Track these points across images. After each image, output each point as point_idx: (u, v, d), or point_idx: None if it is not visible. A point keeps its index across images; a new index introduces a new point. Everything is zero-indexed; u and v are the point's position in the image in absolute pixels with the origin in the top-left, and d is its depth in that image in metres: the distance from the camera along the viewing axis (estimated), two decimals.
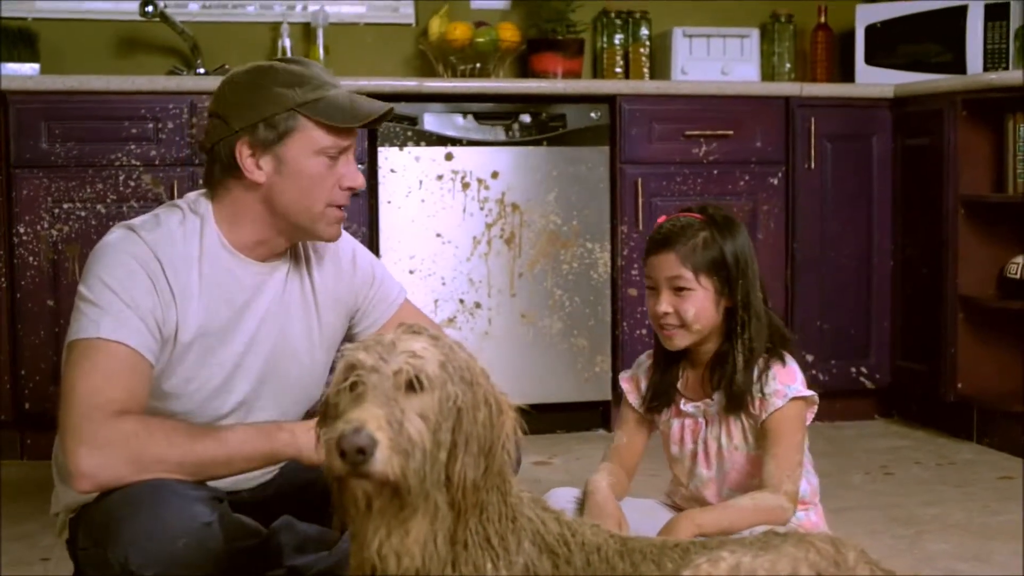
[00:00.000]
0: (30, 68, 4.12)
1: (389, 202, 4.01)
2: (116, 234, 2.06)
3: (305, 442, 1.90)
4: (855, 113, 4.36)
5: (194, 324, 2.04)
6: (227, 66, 4.40)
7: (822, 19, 4.89)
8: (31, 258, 3.76)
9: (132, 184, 3.82)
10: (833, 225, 4.34)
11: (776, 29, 4.89)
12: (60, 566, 2.62)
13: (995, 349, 4.09)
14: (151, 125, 3.84)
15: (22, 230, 3.76)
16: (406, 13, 4.75)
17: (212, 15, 4.61)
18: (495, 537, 1.55)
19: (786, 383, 2.18)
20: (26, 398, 3.79)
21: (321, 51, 4.52)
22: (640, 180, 4.17)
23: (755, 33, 4.68)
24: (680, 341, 2.21)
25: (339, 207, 2.12)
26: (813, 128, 4.28)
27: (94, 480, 1.88)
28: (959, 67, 4.41)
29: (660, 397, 2.29)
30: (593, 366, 4.18)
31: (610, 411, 4.17)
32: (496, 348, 4.08)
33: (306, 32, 4.63)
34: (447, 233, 4.06)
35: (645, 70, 4.80)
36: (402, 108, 3.98)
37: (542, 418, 4.12)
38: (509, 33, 4.55)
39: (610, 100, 4.18)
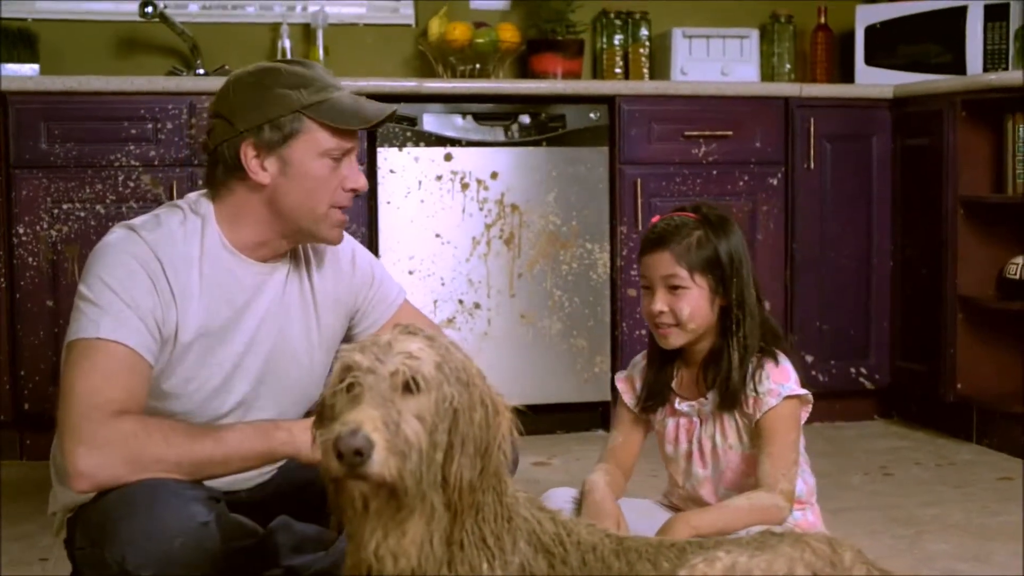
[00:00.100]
0: (30, 69, 4.12)
1: (388, 202, 4.01)
2: (117, 234, 2.06)
3: (303, 441, 1.90)
4: (855, 113, 4.36)
5: (194, 324, 2.04)
6: (227, 67, 4.41)
7: (822, 20, 4.89)
8: (30, 258, 3.77)
9: (131, 185, 3.83)
10: (833, 225, 4.34)
11: (776, 30, 4.89)
12: (59, 566, 2.63)
13: (995, 350, 4.09)
14: (150, 126, 3.85)
15: (21, 230, 3.76)
16: (406, 14, 4.75)
17: (212, 16, 4.62)
18: (491, 537, 1.55)
19: (780, 382, 2.18)
20: (25, 398, 3.79)
21: (321, 52, 4.53)
22: (639, 180, 4.17)
23: (755, 34, 4.68)
24: (675, 340, 2.22)
25: (342, 209, 2.13)
26: (812, 128, 4.28)
27: (92, 480, 1.88)
28: (959, 68, 4.41)
29: (655, 396, 2.30)
30: (592, 367, 4.18)
31: (609, 412, 4.16)
32: (495, 349, 4.08)
33: (306, 33, 4.63)
34: (446, 233, 4.06)
35: (645, 71, 4.80)
36: (401, 109, 3.94)
37: (541, 419, 4.16)
38: (509, 34, 4.55)
39: (609, 101, 4.18)
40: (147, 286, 1.99)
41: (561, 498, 2.26)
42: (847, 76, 4.87)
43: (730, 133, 4.25)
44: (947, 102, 4.06)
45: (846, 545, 1.61)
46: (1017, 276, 3.95)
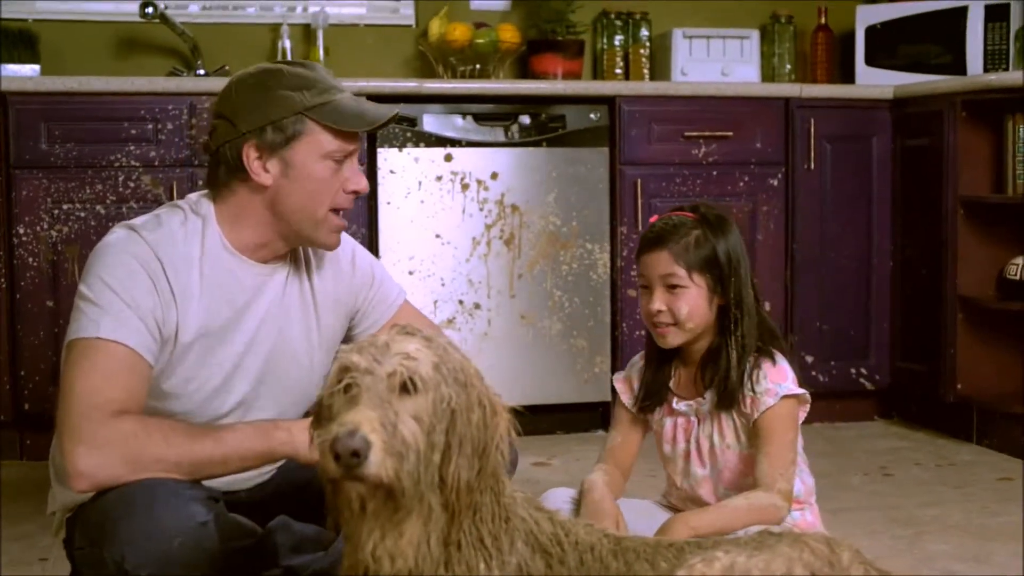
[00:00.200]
0: (30, 69, 4.13)
1: (388, 203, 4.01)
2: (117, 234, 2.06)
3: (302, 441, 1.90)
4: (855, 114, 4.35)
5: (194, 324, 2.04)
6: (227, 67, 4.41)
7: (822, 20, 4.89)
8: (31, 259, 3.77)
9: (132, 185, 3.83)
10: (833, 226, 4.34)
11: (776, 30, 4.89)
12: (58, 566, 2.63)
13: (995, 350, 4.08)
14: (151, 126, 3.85)
15: (22, 231, 3.77)
16: (406, 14, 4.75)
17: (212, 16, 4.62)
18: (488, 537, 1.55)
19: (777, 381, 2.18)
20: (25, 399, 3.79)
21: (321, 52, 4.53)
22: (639, 181, 4.17)
23: (755, 34, 4.68)
24: (674, 339, 2.22)
25: (341, 213, 2.13)
26: (813, 129, 4.28)
27: (92, 480, 1.88)
28: (959, 68, 4.41)
29: (652, 396, 2.30)
30: (592, 367, 4.18)
31: (609, 412, 4.16)
32: (495, 349, 4.09)
33: (306, 33, 4.63)
34: (446, 234, 4.06)
35: (645, 71, 4.80)
36: (402, 109, 3.93)
37: (541, 419, 4.16)
38: (509, 34, 4.55)
39: (609, 101, 4.18)
40: (147, 286, 1.99)
41: (560, 498, 2.26)
42: (847, 77, 4.87)
43: (730, 134, 4.25)
44: (947, 102, 4.06)
45: (844, 545, 1.60)
46: (1017, 276, 3.95)
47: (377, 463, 1.42)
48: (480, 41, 4.48)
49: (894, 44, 4.64)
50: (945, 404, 4.13)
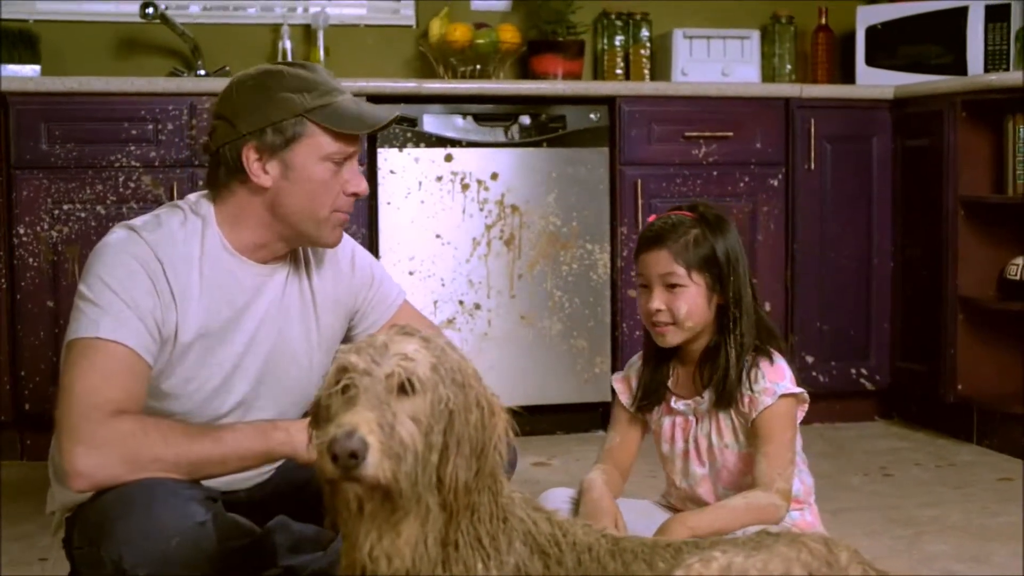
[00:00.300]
0: (31, 69, 4.13)
1: (389, 203, 4.02)
2: (117, 234, 2.06)
3: (300, 441, 1.90)
4: (855, 114, 4.35)
5: (194, 325, 2.05)
6: (227, 68, 4.41)
7: (823, 20, 4.89)
8: (31, 259, 3.77)
9: (132, 185, 3.83)
10: (833, 226, 4.34)
11: (777, 30, 4.89)
12: (57, 566, 2.63)
13: (995, 350, 4.08)
14: (151, 126, 3.85)
15: (22, 231, 3.77)
16: (406, 15, 4.75)
17: (213, 17, 4.62)
18: (486, 537, 1.55)
19: (775, 380, 2.18)
20: (26, 399, 3.80)
21: (322, 53, 4.53)
22: (640, 181, 4.17)
23: (755, 34, 4.68)
24: (672, 338, 2.22)
25: (343, 212, 2.13)
26: (813, 129, 4.28)
27: (91, 479, 1.88)
28: (960, 68, 4.41)
29: (651, 395, 2.30)
30: (593, 367, 4.18)
31: (609, 413, 4.16)
32: (496, 349, 4.09)
33: (307, 34, 4.63)
34: (447, 234, 4.06)
35: (646, 71, 4.80)
36: (402, 109, 3.98)
37: (541, 419, 4.16)
38: (509, 35, 4.56)
39: (610, 101, 4.18)
40: (147, 286, 1.99)
41: (559, 498, 2.26)
42: (848, 77, 4.87)
43: (730, 134, 4.25)
44: (947, 103, 4.06)
45: (842, 545, 1.60)
46: (1017, 277, 3.95)
47: (375, 464, 1.42)
48: (480, 41, 4.48)
49: (895, 44, 4.64)
50: (945, 404, 4.13)
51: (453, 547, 1.53)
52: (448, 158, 4.05)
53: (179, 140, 3.85)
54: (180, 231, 2.08)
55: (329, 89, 2.08)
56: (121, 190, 3.82)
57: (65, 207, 3.79)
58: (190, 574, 1.83)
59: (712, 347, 2.23)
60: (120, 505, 1.84)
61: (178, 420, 2.02)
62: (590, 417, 4.27)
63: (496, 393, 1.60)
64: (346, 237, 2.31)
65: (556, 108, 4.16)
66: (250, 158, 2.05)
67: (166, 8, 4.39)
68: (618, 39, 4.81)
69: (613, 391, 2.40)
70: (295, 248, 2.19)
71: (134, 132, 3.84)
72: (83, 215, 3.80)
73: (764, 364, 2.20)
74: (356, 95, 3.90)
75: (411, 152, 4.03)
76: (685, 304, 2.19)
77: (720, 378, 2.20)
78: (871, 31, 4.68)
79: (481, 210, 4.08)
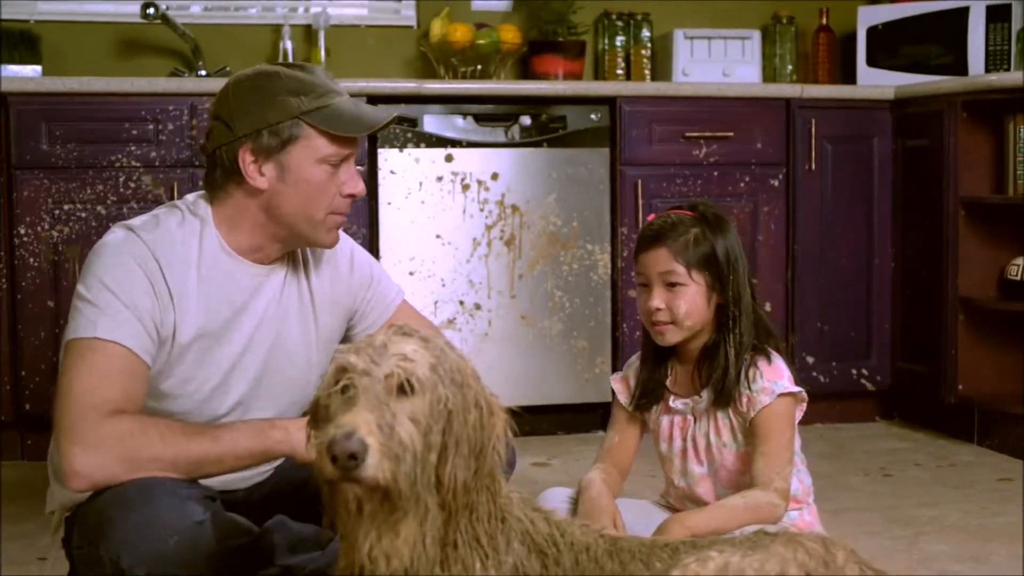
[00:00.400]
0: (31, 70, 4.13)
1: (389, 203, 4.02)
2: (115, 234, 2.07)
3: (299, 440, 1.90)
4: (855, 115, 4.35)
5: (192, 325, 2.05)
6: (228, 68, 4.42)
7: (823, 21, 4.89)
8: (31, 259, 3.77)
9: (132, 185, 3.83)
10: (833, 227, 4.34)
11: (777, 31, 4.89)
12: (56, 566, 2.63)
13: (996, 351, 4.08)
14: (151, 127, 3.85)
15: (23, 231, 3.77)
16: (407, 15, 4.76)
17: (213, 17, 4.63)
18: (484, 537, 1.55)
19: (773, 380, 2.18)
20: (26, 399, 3.80)
21: (322, 53, 4.53)
22: (640, 182, 4.17)
23: (756, 35, 4.68)
24: (672, 337, 2.22)
25: (339, 214, 2.13)
26: (814, 130, 4.28)
27: (89, 479, 1.88)
28: (961, 69, 4.41)
29: (649, 394, 2.30)
30: (593, 367, 4.18)
31: (610, 413, 4.17)
32: (496, 349, 4.09)
33: (307, 34, 4.63)
34: (447, 235, 4.06)
35: (646, 72, 4.80)
36: (402, 110, 3.99)
37: (541, 420, 4.16)
38: (510, 35, 4.56)
39: (610, 102, 4.18)
40: (145, 287, 2.00)
41: (557, 498, 2.26)
42: (849, 77, 4.87)
43: (731, 134, 4.25)
44: (947, 103, 4.06)
45: (839, 545, 1.60)
46: (1018, 277, 3.95)
47: (374, 465, 1.42)
48: (481, 42, 4.48)
49: (895, 45, 4.63)
50: (946, 405, 4.13)
51: (452, 547, 1.53)
52: (448, 158, 4.06)
53: (180, 140, 3.86)
54: (178, 231, 2.08)
55: (326, 91, 2.08)
56: (122, 190, 3.83)
57: (66, 207, 3.80)
58: (188, 573, 1.83)
59: (711, 346, 2.23)
60: (118, 504, 1.84)
61: (176, 419, 2.02)
62: (590, 417, 4.26)
63: (495, 393, 1.61)
64: (345, 237, 2.31)
65: (557, 108, 4.16)
66: (246, 160, 2.05)
67: (167, 8, 4.39)
68: (619, 39, 4.81)
69: (612, 391, 2.40)
70: (293, 249, 2.19)
71: (135, 132, 3.84)
72: (84, 215, 3.80)
73: (762, 363, 2.20)
74: (356, 95, 3.94)
75: (411, 152, 4.03)
76: (685, 303, 2.19)
77: (719, 377, 2.20)
78: (872, 31, 4.68)
79: (481, 210, 4.09)
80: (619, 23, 4.82)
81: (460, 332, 4.05)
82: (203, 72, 4.42)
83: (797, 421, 2.23)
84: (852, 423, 4.43)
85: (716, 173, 4.24)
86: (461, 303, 4.08)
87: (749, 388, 2.18)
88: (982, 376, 4.07)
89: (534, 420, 4.10)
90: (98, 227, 3.77)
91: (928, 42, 4.56)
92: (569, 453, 3.94)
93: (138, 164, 3.84)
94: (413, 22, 4.75)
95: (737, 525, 2.03)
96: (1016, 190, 3.99)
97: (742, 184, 4.26)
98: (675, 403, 2.28)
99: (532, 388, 4.11)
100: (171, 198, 3.76)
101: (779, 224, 4.30)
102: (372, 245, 3.99)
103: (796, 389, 2.20)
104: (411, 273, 4.02)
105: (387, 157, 4.01)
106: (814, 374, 4.30)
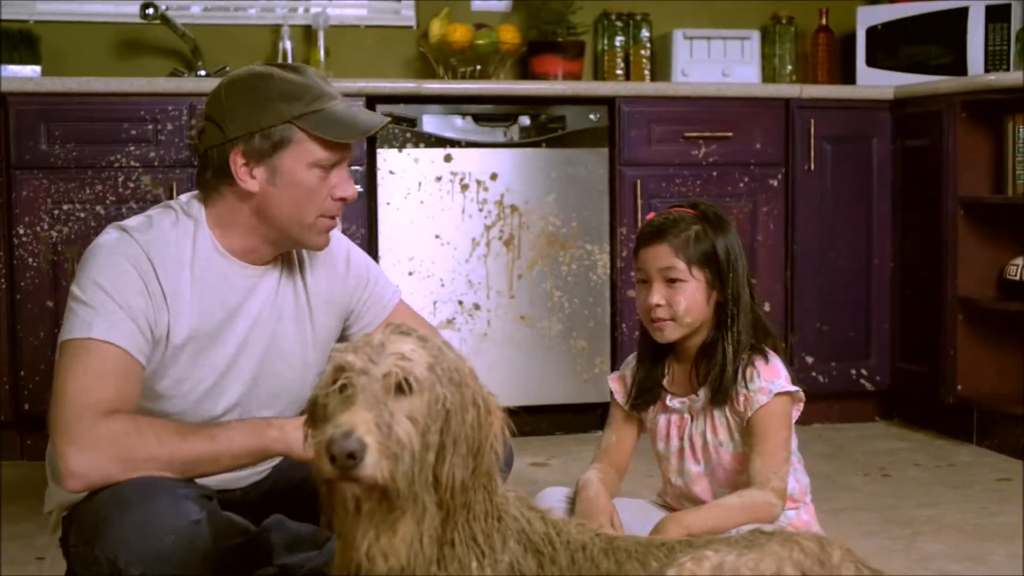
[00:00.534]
0: (31, 70, 4.14)
1: (388, 203, 4.02)
2: (109, 235, 2.07)
3: (295, 438, 1.90)
4: (855, 115, 4.35)
5: (186, 326, 2.05)
6: (228, 68, 4.41)
7: (823, 21, 4.89)
8: (31, 259, 3.78)
9: (131, 185, 3.84)
10: (833, 227, 4.34)
11: (777, 31, 4.89)
12: (54, 565, 2.61)
13: (995, 351, 4.08)
14: (150, 127, 3.85)
15: (22, 231, 3.77)
16: (407, 15, 4.76)
17: (213, 17, 4.63)
18: (481, 536, 1.55)
19: (770, 379, 2.18)
20: (25, 399, 3.80)
21: (322, 53, 4.53)
22: (639, 182, 4.17)
23: (756, 35, 4.68)
24: (670, 334, 2.22)
25: (330, 217, 2.12)
26: (813, 130, 4.28)
27: (85, 480, 1.88)
28: (960, 69, 4.41)
29: (646, 393, 2.30)
30: (592, 368, 4.18)
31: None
32: (495, 349, 4.09)
33: (307, 34, 4.63)
34: (446, 235, 4.06)
35: (646, 72, 4.80)
36: (401, 110, 4.00)
37: (541, 420, 4.16)
38: (509, 35, 4.56)
39: (609, 102, 4.18)
40: (139, 287, 1.99)
41: (554, 497, 2.26)
42: (848, 78, 4.87)
43: (730, 134, 4.25)
44: (947, 103, 4.06)
45: (835, 544, 1.61)
46: (1017, 277, 3.95)
47: (373, 465, 1.42)
48: (480, 42, 4.49)
49: (895, 45, 4.64)
50: (945, 405, 4.13)
51: (449, 545, 1.54)
52: (448, 158, 4.06)
53: (179, 140, 3.86)
54: (172, 232, 2.07)
55: (319, 94, 2.06)
56: (121, 190, 3.83)
57: (65, 207, 3.80)
58: (185, 573, 1.83)
59: (708, 344, 2.23)
60: (115, 504, 1.84)
61: (171, 419, 2.02)
62: (589, 418, 4.26)
63: (493, 392, 1.61)
64: (342, 237, 2.31)
65: (556, 108, 4.16)
66: (237, 163, 2.04)
67: (166, 9, 4.39)
68: (618, 40, 4.81)
69: (610, 390, 2.40)
70: (285, 250, 2.19)
71: (134, 132, 3.84)
72: (83, 215, 3.80)
73: (760, 363, 2.20)
74: (356, 96, 3.95)
75: (410, 152, 4.03)
76: (684, 299, 2.20)
77: (716, 375, 2.20)
78: (871, 32, 4.68)
79: (480, 210, 4.09)
80: (618, 23, 4.82)
81: (459, 332, 4.05)
82: (202, 72, 4.42)
83: (794, 421, 2.23)
84: (851, 423, 4.43)
85: (715, 173, 4.24)
86: (460, 303, 4.08)
87: (746, 387, 2.18)
88: (981, 376, 4.07)
89: (533, 420, 4.10)
90: (97, 227, 3.77)
91: (927, 42, 4.56)
92: (568, 453, 3.94)
93: (137, 164, 3.84)
94: (412, 22, 4.75)
95: (734, 524, 2.03)
96: (1015, 190, 3.99)
97: (741, 184, 4.27)
98: (672, 402, 2.28)
99: (531, 388, 4.11)
100: (170, 198, 3.74)
101: (778, 224, 4.30)
102: (371, 245, 3.99)
103: (793, 388, 2.20)
104: (410, 273, 4.02)
105: (386, 157, 4.01)
106: (813, 374, 4.31)
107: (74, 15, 4.51)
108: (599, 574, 1.61)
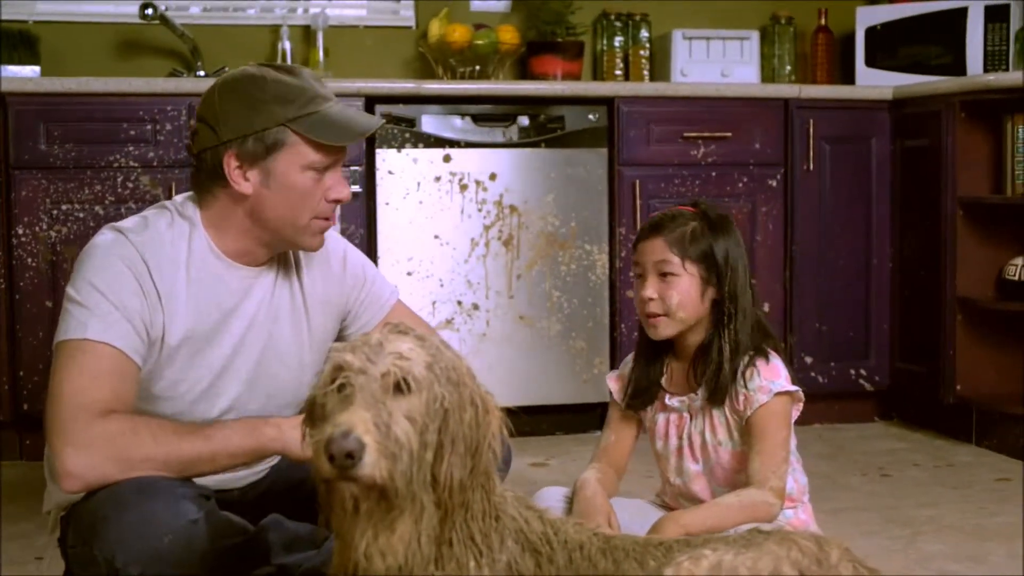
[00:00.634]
0: (30, 70, 4.14)
1: (387, 204, 4.02)
2: (104, 236, 2.07)
3: (292, 437, 1.90)
4: (854, 115, 4.35)
5: (181, 327, 2.04)
6: (227, 69, 4.41)
7: (822, 21, 4.89)
8: (30, 259, 3.78)
9: (130, 186, 3.84)
10: (832, 227, 4.34)
11: (776, 31, 4.89)
12: (53, 565, 2.61)
13: (994, 351, 4.08)
14: (149, 127, 3.85)
15: (21, 231, 3.77)
16: (406, 15, 4.76)
17: (212, 18, 4.63)
18: (478, 535, 1.55)
19: (770, 379, 2.19)
20: (24, 399, 3.80)
21: (321, 54, 4.53)
22: (638, 182, 4.17)
23: (755, 35, 4.68)
24: (664, 330, 2.22)
25: (324, 219, 2.12)
26: (812, 130, 4.28)
27: (81, 480, 1.88)
28: (959, 69, 4.41)
29: (644, 392, 2.31)
30: (591, 368, 4.18)
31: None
32: (494, 350, 4.09)
33: (306, 34, 4.63)
34: (445, 235, 4.06)
35: (645, 72, 4.80)
36: (400, 110, 4.00)
37: (540, 420, 4.16)
38: (509, 35, 4.56)
39: (608, 102, 4.18)
40: (134, 288, 1.99)
41: (553, 497, 2.27)
42: (848, 78, 4.88)
43: (729, 135, 4.25)
44: (946, 103, 4.06)
45: (833, 543, 1.61)
46: (1016, 277, 3.95)
47: (371, 464, 1.42)
48: (480, 42, 4.49)
49: (894, 45, 4.63)
50: (944, 405, 4.13)
51: (446, 545, 1.54)
52: (447, 159, 4.06)
53: (178, 141, 3.86)
54: (167, 233, 2.07)
55: (313, 96, 2.05)
56: (119, 190, 3.83)
57: (64, 207, 3.80)
58: (183, 572, 1.83)
59: (707, 343, 2.24)
60: (112, 504, 1.84)
61: (168, 419, 2.02)
62: (588, 418, 4.26)
63: (491, 392, 1.61)
64: (339, 237, 2.31)
65: (555, 109, 4.16)
66: (231, 165, 2.04)
67: (166, 9, 4.40)
68: (617, 40, 4.81)
69: (609, 390, 2.40)
70: (280, 252, 2.18)
71: (133, 133, 3.84)
72: (82, 215, 3.80)
73: (760, 363, 2.20)
74: (355, 96, 3.94)
75: (409, 152, 4.03)
76: (677, 293, 2.20)
77: (712, 373, 2.20)
78: (871, 32, 4.68)
79: (479, 210, 4.09)
80: (617, 23, 4.82)
81: (458, 332, 4.05)
82: (202, 73, 4.42)
83: (794, 421, 2.24)
84: (850, 423, 4.43)
85: (714, 173, 4.24)
86: (459, 303, 4.08)
87: (746, 387, 2.18)
88: (980, 376, 4.07)
89: (532, 420, 4.10)
90: (96, 227, 3.71)
91: (927, 42, 4.56)
92: (567, 453, 3.93)
93: (136, 164, 3.84)
94: (412, 22, 4.75)
95: (732, 523, 2.03)
96: (1014, 190, 3.99)
97: (740, 184, 4.26)
98: (671, 401, 2.28)
99: (530, 388, 4.11)
100: (169, 198, 3.73)
101: (777, 224, 4.30)
102: (370, 245, 3.99)
103: (793, 388, 2.20)
104: (409, 273, 4.02)
105: (385, 157, 4.01)
106: (812, 374, 4.30)
107: (73, 15, 4.51)
108: (597, 574, 1.61)
